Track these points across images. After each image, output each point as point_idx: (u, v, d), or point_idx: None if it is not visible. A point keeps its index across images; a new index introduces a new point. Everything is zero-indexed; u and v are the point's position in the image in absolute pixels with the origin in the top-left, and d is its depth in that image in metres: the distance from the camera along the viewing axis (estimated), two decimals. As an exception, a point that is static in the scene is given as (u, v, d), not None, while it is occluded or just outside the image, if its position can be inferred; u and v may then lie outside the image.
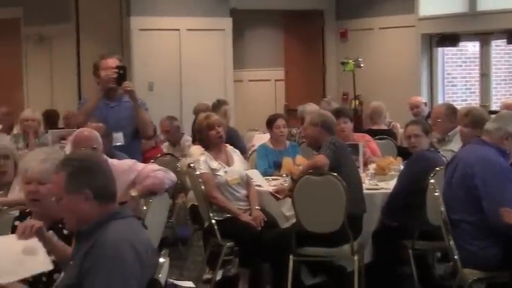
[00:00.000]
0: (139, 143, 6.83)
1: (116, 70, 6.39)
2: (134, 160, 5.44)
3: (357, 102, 11.38)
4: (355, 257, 5.64)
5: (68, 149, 5.30)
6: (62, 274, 3.22)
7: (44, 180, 3.71)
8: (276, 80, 14.00)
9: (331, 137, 5.90)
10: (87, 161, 3.16)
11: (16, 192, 4.96)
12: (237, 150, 6.55)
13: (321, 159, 5.69)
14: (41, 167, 3.79)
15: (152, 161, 6.80)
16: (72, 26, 11.79)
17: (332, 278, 6.17)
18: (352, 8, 12.68)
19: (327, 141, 5.78)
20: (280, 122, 7.53)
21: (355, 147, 6.77)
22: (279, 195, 6.01)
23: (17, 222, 3.90)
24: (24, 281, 3.67)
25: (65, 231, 3.61)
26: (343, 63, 11.11)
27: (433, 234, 5.46)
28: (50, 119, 9.85)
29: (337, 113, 7.14)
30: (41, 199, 3.74)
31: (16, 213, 4.46)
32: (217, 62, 11.82)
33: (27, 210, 3.95)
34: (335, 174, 5.58)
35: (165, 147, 8.78)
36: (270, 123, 7.55)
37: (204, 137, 6.29)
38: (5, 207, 4.67)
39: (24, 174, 3.90)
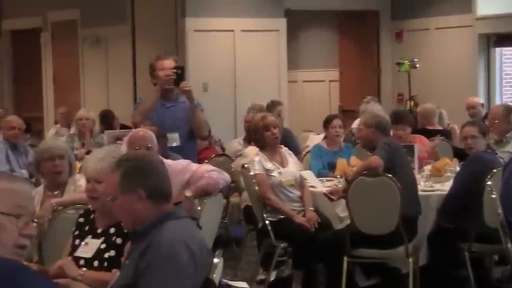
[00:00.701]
0: (194, 144, 6.86)
1: (174, 70, 6.44)
2: (188, 160, 5.47)
3: (412, 103, 11.27)
4: (410, 259, 5.59)
5: (123, 149, 5.34)
6: (118, 274, 3.24)
7: (101, 179, 3.77)
8: (330, 81, 13.94)
9: (386, 138, 5.87)
10: (141, 161, 3.18)
11: (71, 192, 5.03)
12: (292, 152, 6.53)
13: (376, 160, 5.66)
14: (97, 166, 3.87)
15: (206, 161, 6.83)
16: (128, 28, 11.89)
17: (386, 280, 6.12)
18: (408, 8, 12.55)
19: (381, 143, 5.74)
20: (337, 122, 7.53)
21: (410, 149, 6.72)
22: (333, 197, 5.99)
23: (81, 219, 3.96)
24: None
25: (126, 230, 3.64)
26: (398, 64, 11.00)
27: (490, 236, 5.38)
28: (106, 119, 9.91)
29: (398, 119, 7.09)
30: (99, 197, 3.80)
31: (73, 212, 4.53)
32: (271, 63, 11.80)
33: (91, 209, 4.01)
34: (390, 175, 5.54)
35: (236, 141, 8.70)
36: (327, 123, 7.56)
37: (259, 137, 6.29)
38: (61, 208, 4.73)
39: (84, 172, 4.02)
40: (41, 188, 5.12)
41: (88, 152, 6.84)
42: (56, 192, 5.06)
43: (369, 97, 10.38)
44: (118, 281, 3.15)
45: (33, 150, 7.15)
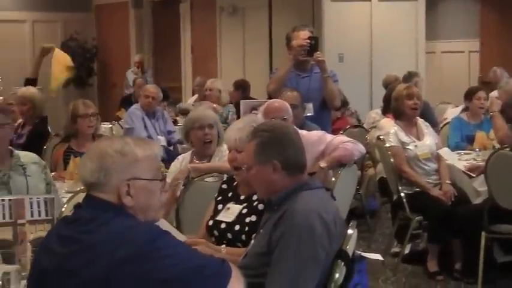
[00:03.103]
0: (328, 114, 6.84)
1: (308, 41, 6.43)
2: (323, 131, 5.46)
3: (557, 77, 10.83)
4: (552, 237, 5.40)
5: (259, 118, 5.38)
6: (252, 242, 3.28)
7: (240, 148, 3.78)
8: (470, 52, 13.58)
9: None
10: (276, 132, 3.18)
11: (216, 161, 5.11)
12: (428, 124, 6.43)
13: (504, 134, 5.54)
14: (235, 136, 3.89)
15: (341, 132, 6.80)
16: (265, -2, 11.95)
17: (526, 257, 5.95)
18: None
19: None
20: (482, 94, 7.33)
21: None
22: (472, 174, 5.86)
23: (224, 186, 4.01)
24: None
25: (260, 199, 3.66)
26: (543, 34, 10.59)
27: None
28: (241, 89, 10.01)
29: None
30: (241, 167, 3.81)
31: (211, 180, 4.61)
32: (408, 33, 11.58)
33: (234, 176, 4.03)
34: (532, 149, 5.36)
35: (374, 112, 8.61)
36: (470, 94, 7.35)
37: (399, 105, 6.22)
38: (197, 175, 4.82)
39: (226, 141, 4.07)
40: (188, 155, 5.24)
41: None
42: (203, 162, 5.17)
43: (496, 68, 10.01)
44: (252, 248, 3.19)
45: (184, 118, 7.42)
